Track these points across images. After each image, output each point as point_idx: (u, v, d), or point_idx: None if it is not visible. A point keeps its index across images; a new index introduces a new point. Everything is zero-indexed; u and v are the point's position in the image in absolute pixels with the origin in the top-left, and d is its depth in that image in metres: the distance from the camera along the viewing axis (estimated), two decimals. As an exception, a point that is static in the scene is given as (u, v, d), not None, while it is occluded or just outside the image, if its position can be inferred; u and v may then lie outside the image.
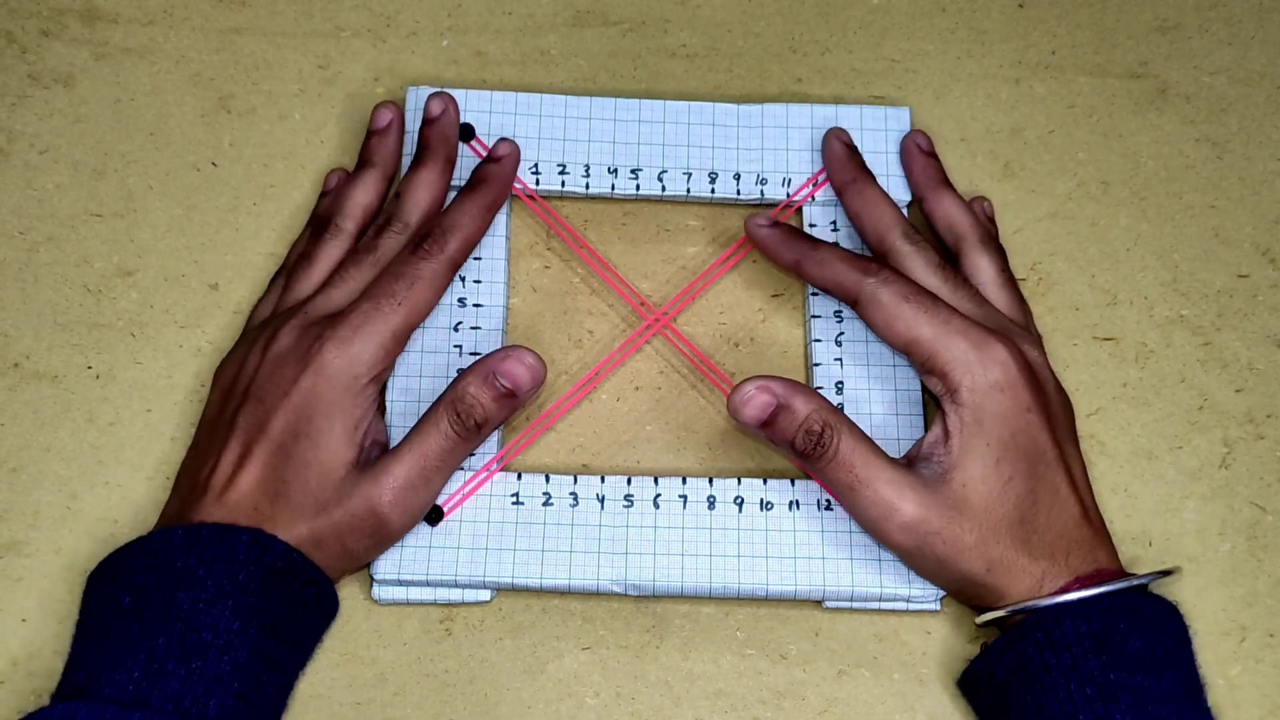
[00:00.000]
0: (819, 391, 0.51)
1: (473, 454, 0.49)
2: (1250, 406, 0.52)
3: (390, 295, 0.47)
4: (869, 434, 0.50)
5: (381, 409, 0.49)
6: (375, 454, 0.47)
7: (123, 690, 0.39)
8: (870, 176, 0.52)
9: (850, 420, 0.46)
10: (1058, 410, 0.48)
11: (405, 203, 0.50)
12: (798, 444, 0.46)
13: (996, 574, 0.45)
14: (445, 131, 0.52)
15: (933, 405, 0.51)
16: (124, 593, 0.42)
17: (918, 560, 0.46)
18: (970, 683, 0.46)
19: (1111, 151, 0.56)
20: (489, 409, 0.46)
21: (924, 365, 0.47)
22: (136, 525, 0.49)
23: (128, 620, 0.41)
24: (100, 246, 0.53)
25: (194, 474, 0.46)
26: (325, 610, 0.46)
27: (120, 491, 0.49)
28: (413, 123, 0.53)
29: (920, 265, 0.49)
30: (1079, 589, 0.44)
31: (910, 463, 0.47)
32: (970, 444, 0.46)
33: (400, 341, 0.47)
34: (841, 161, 0.53)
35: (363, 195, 0.51)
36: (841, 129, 0.54)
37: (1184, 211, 0.55)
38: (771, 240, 0.51)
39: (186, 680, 0.40)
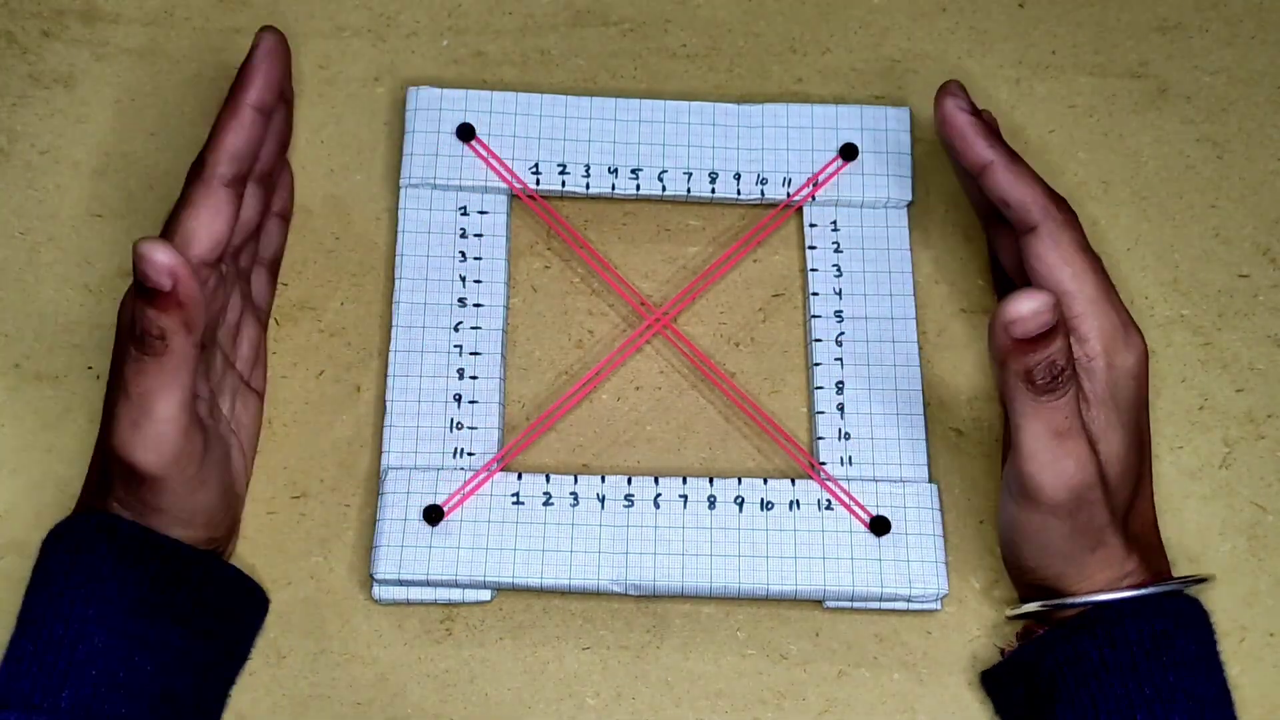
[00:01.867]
0: (820, 392, 0.51)
1: (471, 454, 0.49)
2: (1250, 406, 0.52)
3: (169, 234, 0.44)
4: (870, 436, 0.50)
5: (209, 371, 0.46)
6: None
7: None
8: (1005, 145, 0.49)
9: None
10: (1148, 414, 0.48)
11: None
12: (1036, 374, 0.42)
13: (1098, 557, 0.44)
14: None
15: (936, 405, 0.52)
16: (24, 598, 0.43)
17: (1050, 523, 0.44)
18: (1008, 672, 0.46)
19: (1112, 151, 0.56)
20: (150, 315, 0.41)
21: (1068, 322, 0.45)
22: (137, 525, 0.49)
23: (16, 626, 0.43)
24: (101, 247, 0.53)
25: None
26: (212, 579, 0.45)
27: (121, 492, 0.49)
28: (411, 122, 0.53)
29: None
30: (1137, 589, 0.44)
31: None
32: (1110, 418, 0.45)
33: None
34: (976, 135, 0.48)
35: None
36: (956, 82, 0.49)
37: (1184, 211, 0.55)
38: (970, 130, 0.47)
39: (39, 675, 0.40)
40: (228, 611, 0.46)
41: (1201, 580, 0.46)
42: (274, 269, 0.52)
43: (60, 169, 0.54)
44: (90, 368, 0.51)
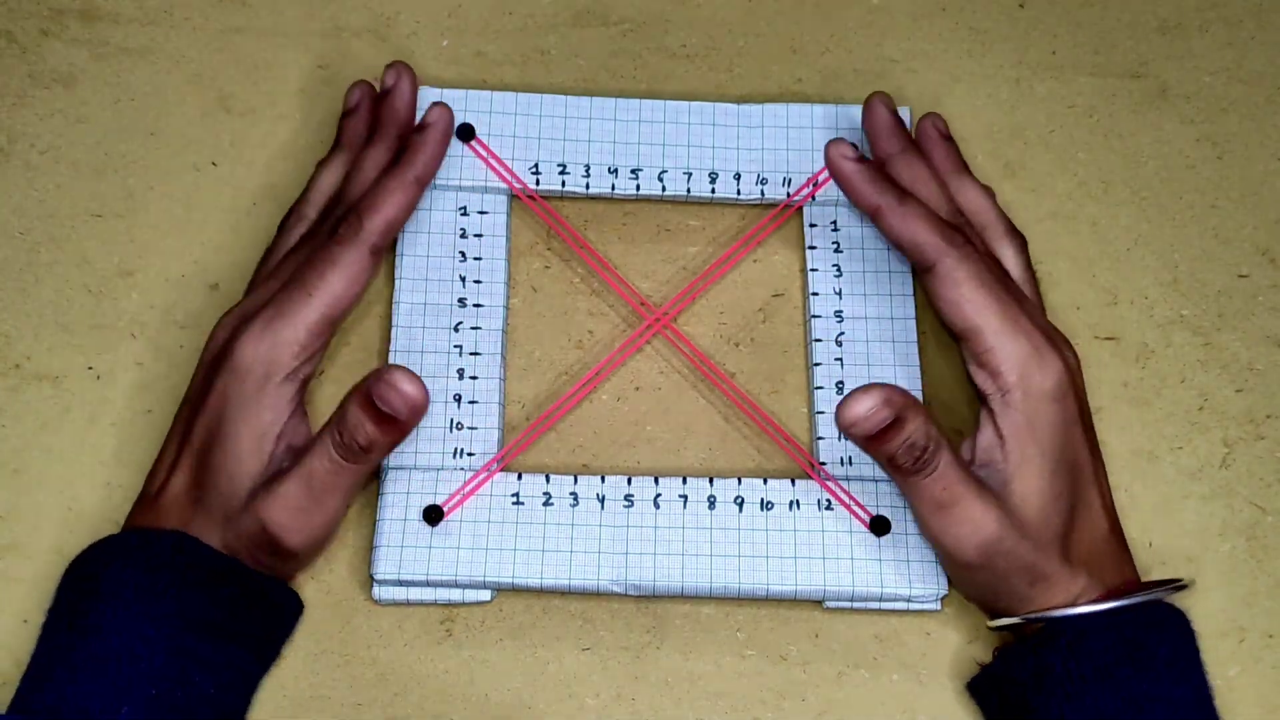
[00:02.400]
0: (820, 392, 0.51)
1: (471, 454, 0.49)
2: (1250, 406, 0.52)
3: (300, 285, 0.45)
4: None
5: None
6: (286, 463, 0.45)
7: (43, 704, 0.40)
8: (919, 148, 0.50)
9: (947, 435, 0.45)
10: (1090, 423, 0.47)
11: (349, 184, 0.49)
12: (899, 458, 0.43)
13: (1039, 588, 0.44)
14: (395, 105, 0.51)
15: (936, 406, 0.52)
16: (62, 604, 0.43)
17: (973, 574, 0.45)
18: (984, 685, 0.46)
19: (1112, 151, 0.56)
20: (371, 434, 0.43)
21: (979, 357, 0.46)
22: (137, 525, 0.49)
23: (60, 633, 0.42)
24: (100, 247, 0.53)
25: (146, 478, 0.47)
26: (275, 605, 0.46)
27: (121, 492, 0.49)
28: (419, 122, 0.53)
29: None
30: (1097, 603, 0.44)
31: (970, 463, 0.46)
32: (1027, 453, 0.45)
33: (318, 334, 0.45)
34: (890, 129, 0.50)
35: (327, 179, 0.50)
36: (884, 94, 0.52)
37: (1184, 211, 0.55)
38: (857, 177, 0.48)
39: (96, 691, 0.40)
40: (277, 627, 0.47)
41: (1180, 586, 0.45)
42: None
43: (60, 169, 0.54)
44: (90, 368, 0.51)
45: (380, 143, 0.50)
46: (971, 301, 0.45)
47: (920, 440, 0.43)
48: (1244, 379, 0.53)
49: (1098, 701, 0.42)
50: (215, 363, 0.46)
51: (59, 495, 0.49)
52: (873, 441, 0.43)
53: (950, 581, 0.48)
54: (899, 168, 0.50)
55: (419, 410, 0.43)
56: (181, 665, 0.42)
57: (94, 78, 0.55)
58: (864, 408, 0.42)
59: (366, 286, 0.48)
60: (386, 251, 0.50)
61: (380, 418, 0.43)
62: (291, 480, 0.44)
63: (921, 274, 0.47)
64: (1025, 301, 0.47)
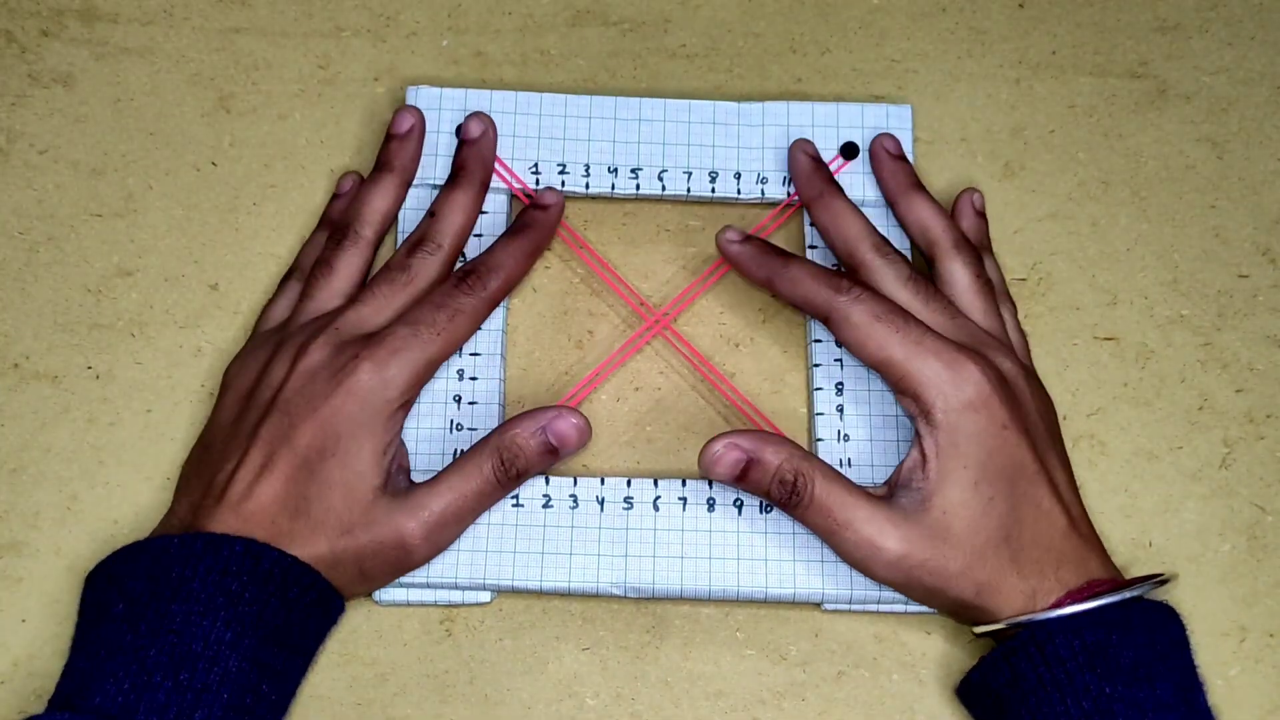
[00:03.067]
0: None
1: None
2: (1250, 406, 0.52)
3: (431, 324, 0.47)
4: (870, 437, 0.50)
5: None
6: (401, 480, 0.47)
7: (112, 701, 0.40)
8: (837, 189, 0.52)
9: (824, 463, 0.46)
10: (1037, 421, 0.47)
11: (440, 223, 0.50)
12: (773, 494, 0.46)
13: (986, 596, 0.45)
14: (483, 153, 0.52)
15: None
16: (118, 599, 0.42)
17: (908, 592, 0.46)
18: (967, 692, 0.46)
19: (1112, 151, 0.56)
20: (532, 460, 0.47)
21: (897, 386, 0.47)
22: (137, 526, 0.49)
23: (121, 628, 0.41)
24: (100, 246, 0.53)
25: (208, 479, 0.46)
26: (329, 614, 0.46)
27: (120, 492, 0.49)
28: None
29: (890, 279, 0.49)
30: (1071, 603, 0.44)
31: (890, 490, 0.47)
32: (948, 467, 0.45)
33: (433, 370, 0.47)
34: (808, 174, 0.52)
35: (381, 201, 0.51)
36: (807, 141, 0.53)
37: (1184, 211, 0.55)
38: (743, 257, 0.50)
39: (174, 692, 0.40)
40: (325, 637, 0.47)
41: (1162, 581, 0.45)
42: None
43: (60, 169, 0.54)
44: (90, 367, 0.51)
45: (469, 189, 0.51)
46: (871, 338, 0.47)
47: (787, 475, 0.45)
48: (1244, 379, 0.53)
49: (1066, 707, 0.42)
50: (320, 380, 0.46)
51: (58, 495, 0.49)
52: (740, 483, 0.46)
53: None
54: (818, 211, 0.51)
55: (585, 446, 0.48)
56: (253, 672, 0.42)
57: (94, 78, 0.55)
58: (714, 451, 0.46)
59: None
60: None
61: (547, 450, 0.47)
62: (441, 498, 0.46)
63: (827, 326, 0.48)
64: (924, 326, 0.47)
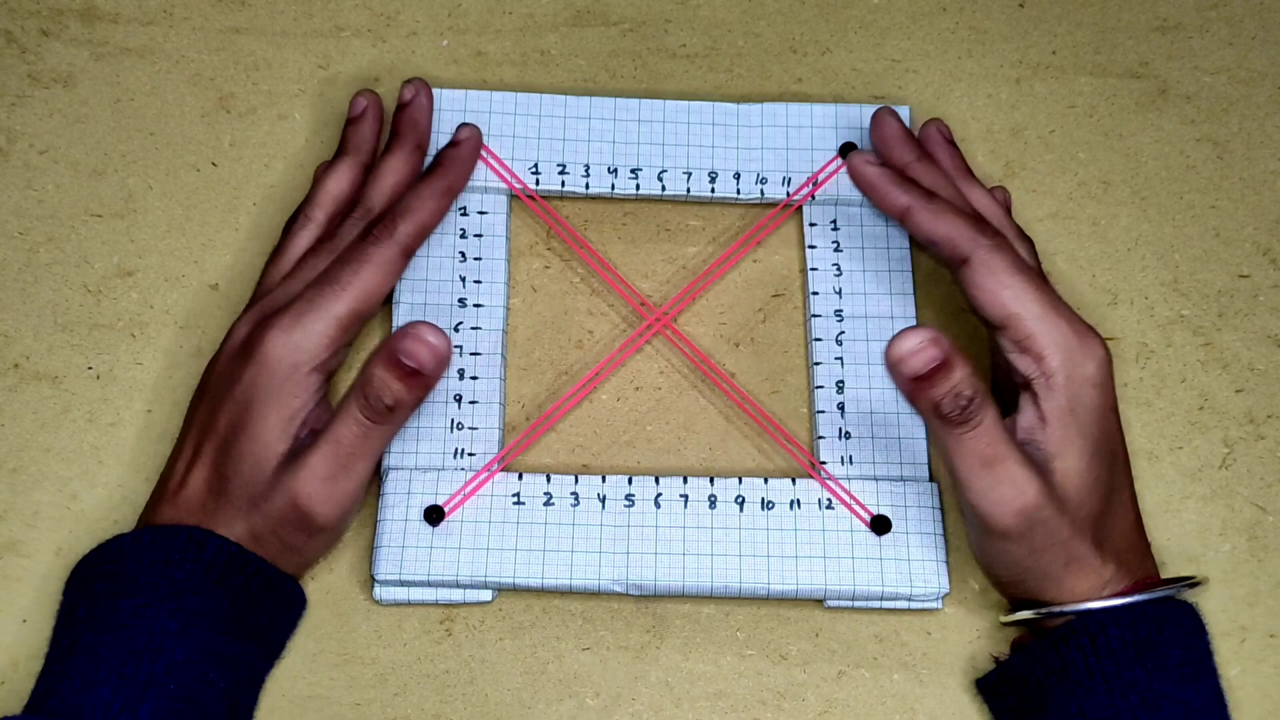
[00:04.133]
0: (820, 391, 0.51)
1: (472, 454, 0.49)
2: (1250, 406, 0.52)
3: (333, 281, 0.46)
4: (871, 435, 0.50)
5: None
6: (307, 444, 0.46)
7: (64, 702, 0.40)
8: (930, 155, 0.51)
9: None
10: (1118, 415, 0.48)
11: (370, 189, 0.50)
12: (944, 407, 0.43)
13: (1071, 570, 0.44)
14: (415, 116, 0.52)
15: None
16: (81, 600, 0.43)
17: (1010, 546, 0.44)
18: (1000, 681, 0.46)
19: (1112, 151, 0.56)
20: (395, 389, 0.44)
21: (1020, 343, 0.46)
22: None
23: (80, 629, 0.42)
24: (100, 247, 0.53)
25: (161, 476, 0.47)
26: (284, 600, 0.46)
27: (120, 492, 0.49)
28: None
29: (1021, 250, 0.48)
30: (1122, 596, 0.44)
31: None
32: (1068, 434, 0.45)
33: (347, 329, 0.46)
34: (902, 138, 0.51)
35: (334, 184, 0.51)
36: (889, 107, 0.52)
37: (1185, 211, 0.55)
38: (881, 181, 0.49)
39: (119, 687, 0.40)
40: (286, 624, 0.47)
41: (1194, 583, 0.45)
42: None
43: (60, 169, 0.54)
44: (90, 367, 0.51)
45: (400, 151, 0.51)
46: (1010, 288, 0.46)
47: (967, 390, 0.43)
48: (1244, 379, 0.53)
49: (1114, 699, 0.42)
50: (238, 357, 0.46)
51: (58, 495, 0.49)
52: (919, 384, 0.43)
53: (984, 562, 0.47)
54: (917, 173, 0.50)
55: (444, 361, 0.45)
56: (201, 661, 0.42)
57: (94, 78, 0.55)
58: (912, 343, 0.42)
59: (393, 287, 0.48)
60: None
61: (406, 373, 0.44)
62: (319, 450, 0.44)
63: (956, 268, 0.47)
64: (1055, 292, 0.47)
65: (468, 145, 0.51)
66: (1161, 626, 0.43)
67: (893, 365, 0.43)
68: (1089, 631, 0.43)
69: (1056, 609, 0.45)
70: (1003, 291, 0.46)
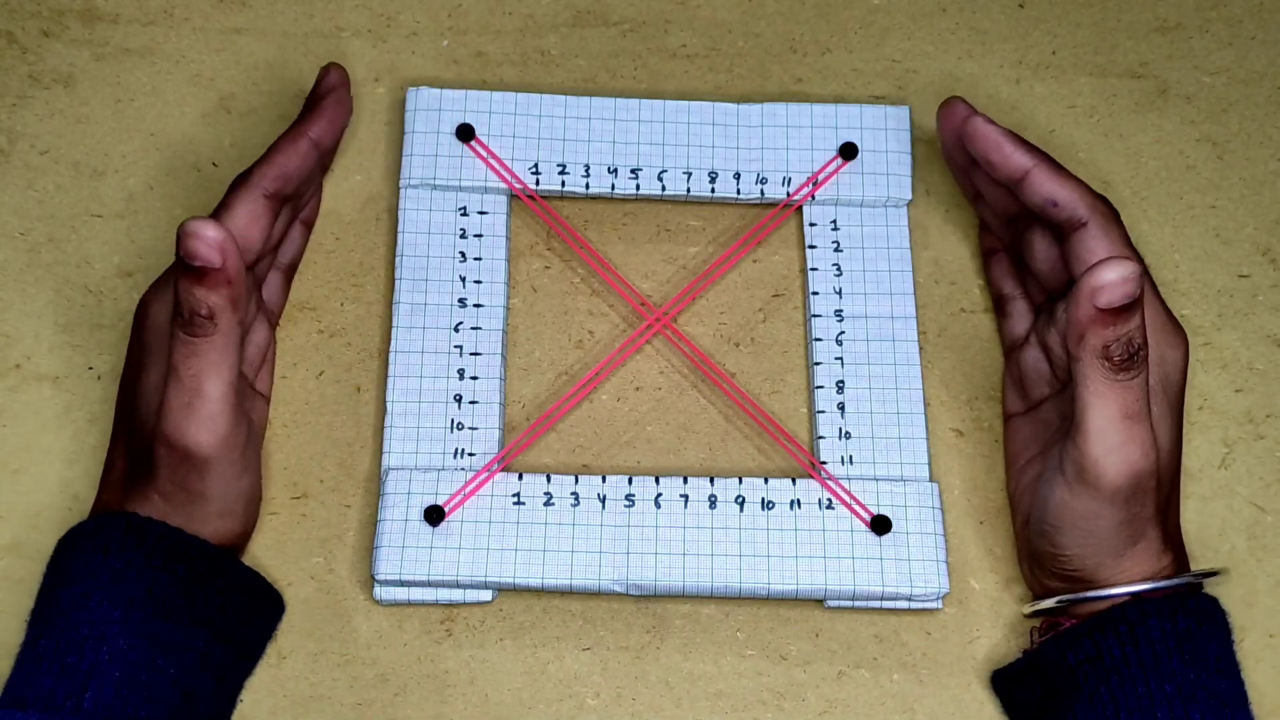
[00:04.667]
0: (820, 391, 0.51)
1: (472, 454, 0.49)
2: (1250, 406, 0.52)
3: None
4: (871, 435, 0.50)
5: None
6: None
7: (8, 696, 0.41)
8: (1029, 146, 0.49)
9: None
10: None
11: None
12: (1114, 349, 0.42)
13: (1135, 552, 0.45)
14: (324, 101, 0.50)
15: (936, 405, 0.52)
16: (39, 597, 0.43)
17: (1103, 509, 0.44)
18: (1027, 669, 0.46)
19: (1112, 151, 0.56)
20: (200, 296, 0.42)
21: None
22: (137, 526, 0.49)
23: (32, 625, 0.43)
24: (100, 247, 0.53)
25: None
26: (235, 583, 0.45)
27: (121, 492, 0.50)
28: (410, 123, 0.53)
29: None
30: (1170, 579, 0.45)
31: None
32: (1161, 410, 0.45)
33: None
34: (1010, 145, 0.48)
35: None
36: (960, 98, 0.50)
37: (1184, 211, 0.55)
38: (1005, 141, 0.47)
39: (61, 676, 0.40)
40: (246, 614, 0.46)
41: (1213, 573, 0.46)
42: (290, 274, 0.52)
43: (60, 169, 0.54)
44: (90, 368, 0.51)
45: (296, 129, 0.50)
46: (1125, 254, 0.45)
47: (1139, 338, 0.42)
48: (1244, 379, 0.53)
49: (1150, 689, 0.42)
50: (131, 333, 0.47)
51: (59, 495, 0.49)
52: (1103, 318, 0.41)
53: (1060, 526, 0.45)
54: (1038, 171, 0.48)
55: (229, 250, 0.42)
56: (146, 648, 0.42)
57: (94, 78, 0.55)
58: (1119, 273, 0.41)
59: (269, 235, 0.47)
60: (387, 258, 0.50)
61: (200, 276, 0.42)
62: (167, 385, 0.43)
63: (1069, 232, 0.46)
64: None
65: (332, 91, 0.50)
66: (1200, 620, 0.43)
67: (1092, 291, 0.41)
68: (1129, 620, 0.43)
69: (1087, 595, 0.45)
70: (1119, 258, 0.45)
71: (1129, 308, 0.41)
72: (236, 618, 0.46)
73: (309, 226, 0.53)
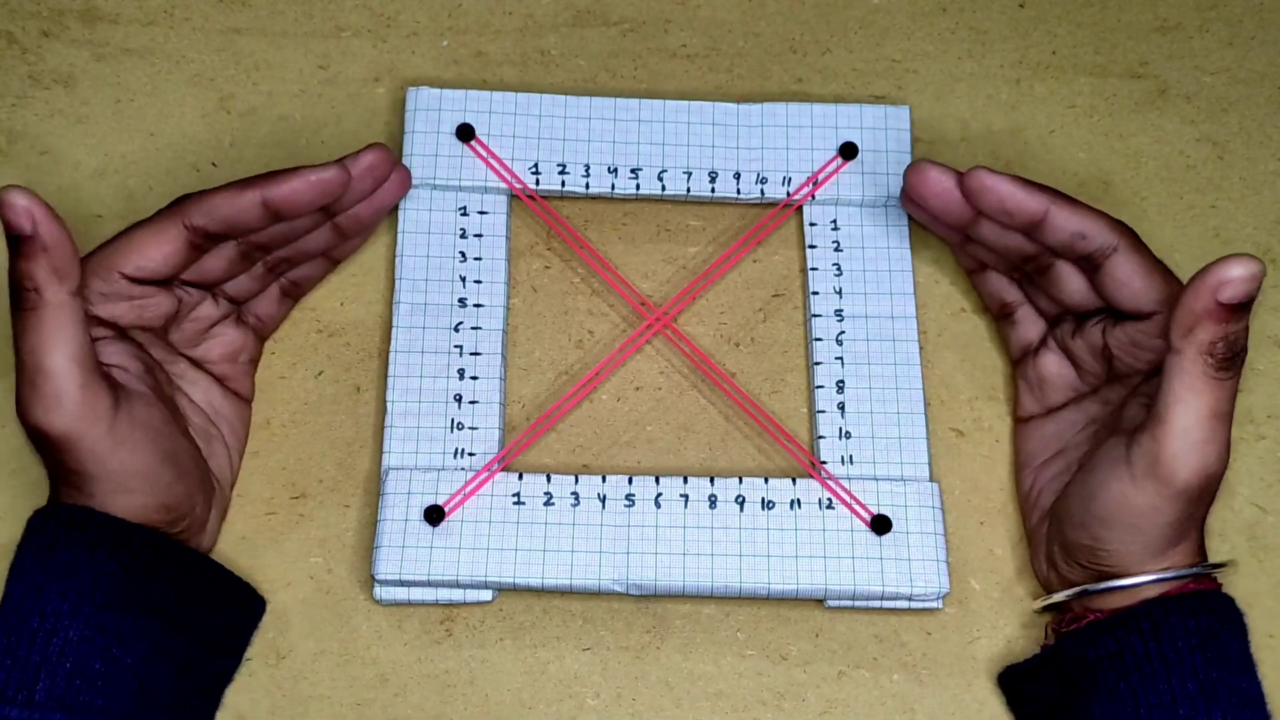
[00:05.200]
0: (820, 391, 0.51)
1: (472, 454, 0.49)
2: (1250, 406, 0.52)
3: (115, 238, 0.46)
4: (872, 434, 0.50)
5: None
6: None
7: None
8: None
9: None
10: None
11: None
12: (1219, 347, 0.41)
13: (1180, 549, 0.45)
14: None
15: (936, 405, 0.52)
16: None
17: (1165, 507, 0.43)
18: (1039, 667, 0.46)
19: (1112, 151, 0.56)
20: (20, 266, 0.40)
21: (1157, 329, 0.45)
22: (137, 525, 0.49)
23: None
24: (100, 247, 0.53)
25: None
26: (180, 571, 0.45)
27: (120, 492, 0.49)
28: (410, 123, 0.53)
29: None
30: (1184, 569, 0.44)
31: None
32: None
33: (115, 281, 0.45)
34: (1030, 186, 0.47)
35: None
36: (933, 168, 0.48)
37: (1184, 211, 0.55)
38: (1017, 186, 0.46)
39: (13, 669, 0.41)
40: (209, 605, 0.46)
41: (1222, 565, 0.46)
42: (293, 293, 0.52)
43: (60, 169, 0.54)
44: (90, 368, 0.51)
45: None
46: (1159, 273, 0.45)
47: (1243, 339, 0.42)
48: (1244, 379, 0.53)
49: (1172, 685, 0.42)
50: None
51: (59, 495, 0.49)
52: (1219, 313, 0.41)
53: (1112, 518, 0.44)
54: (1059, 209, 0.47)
55: (39, 216, 0.40)
56: (98, 638, 0.42)
57: (94, 78, 0.56)
58: (1245, 269, 0.40)
59: (180, 263, 0.46)
60: (385, 254, 0.50)
61: (19, 247, 0.40)
62: (19, 371, 0.42)
63: (1099, 260, 0.46)
64: None
65: (328, 170, 0.46)
66: (1222, 618, 0.44)
67: (1211, 284, 0.40)
68: (1152, 617, 0.43)
69: (1099, 586, 0.45)
70: (1154, 274, 0.45)
71: (1244, 306, 0.41)
72: (196, 609, 0.45)
73: (334, 262, 0.52)
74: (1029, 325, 0.50)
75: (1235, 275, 0.40)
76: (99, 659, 0.42)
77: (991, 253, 0.50)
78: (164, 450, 0.45)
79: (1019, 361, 0.51)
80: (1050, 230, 0.46)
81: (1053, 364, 0.49)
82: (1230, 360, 0.41)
